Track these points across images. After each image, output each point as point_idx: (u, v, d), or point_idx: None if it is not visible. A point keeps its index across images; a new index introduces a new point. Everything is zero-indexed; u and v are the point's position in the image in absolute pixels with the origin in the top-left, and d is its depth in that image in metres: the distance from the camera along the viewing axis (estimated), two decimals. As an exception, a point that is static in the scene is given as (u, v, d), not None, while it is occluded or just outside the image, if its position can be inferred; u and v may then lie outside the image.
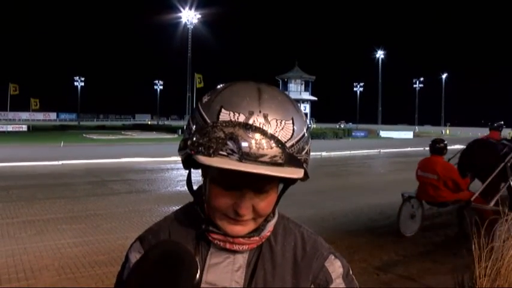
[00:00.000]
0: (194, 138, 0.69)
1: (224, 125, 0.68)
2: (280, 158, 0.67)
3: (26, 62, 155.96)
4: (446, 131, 59.05)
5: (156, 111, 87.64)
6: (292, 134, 0.71)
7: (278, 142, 0.68)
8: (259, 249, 0.81)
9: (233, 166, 0.65)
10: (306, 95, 54.72)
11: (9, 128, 40.87)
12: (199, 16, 46.75)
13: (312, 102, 56.11)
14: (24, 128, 42.68)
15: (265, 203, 0.76)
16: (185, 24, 46.73)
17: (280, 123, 0.70)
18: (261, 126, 0.68)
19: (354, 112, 79.06)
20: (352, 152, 23.86)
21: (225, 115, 0.69)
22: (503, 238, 2.99)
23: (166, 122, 70.90)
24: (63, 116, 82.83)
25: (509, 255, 2.88)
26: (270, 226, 0.82)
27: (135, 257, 0.83)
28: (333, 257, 0.84)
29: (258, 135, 0.67)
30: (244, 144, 0.66)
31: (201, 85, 42.46)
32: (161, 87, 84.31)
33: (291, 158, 0.69)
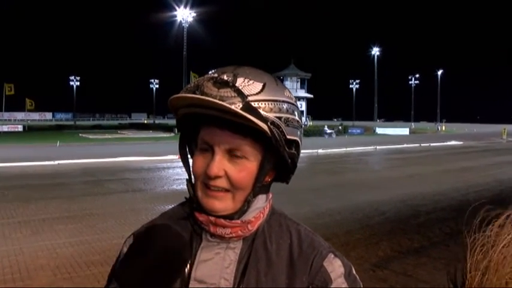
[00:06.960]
0: None
1: (200, 77, 0.75)
2: (237, 106, 0.70)
3: (21, 61, 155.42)
4: (442, 128, 59.19)
5: (152, 110, 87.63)
6: (259, 92, 0.73)
7: (238, 92, 0.71)
8: (251, 246, 0.78)
9: (188, 94, 0.72)
10: (302, 93, 54.53)
11: (5, 128, 40.68)
12: (194, 14, 46.70)
13: (308, 100, 56.03)
14: (20, 128, 42.51)
15: (238, 171, 0.74)
16: (180, 22, 46.64)
17: (248, 81, 0.73)
18: (227, 79, 0.72)
19: (350, 109, 79.22)
20: (348, 149, 23.92)
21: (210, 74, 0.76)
22: (493, 233, 3.02)
23: (162, 121, 70.68)
24: (59, 115, 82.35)
25: (498, 250, 2.91)
26: (256, 212, 0.79)
27: None
28: (332, 255, 0.79)
29: (220, 85, 0.72)
30: (206, 89, 0.72)
31: (197, 83, 42.31)
32: (157, 86, 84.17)
33: (249, 108, 0.70)
